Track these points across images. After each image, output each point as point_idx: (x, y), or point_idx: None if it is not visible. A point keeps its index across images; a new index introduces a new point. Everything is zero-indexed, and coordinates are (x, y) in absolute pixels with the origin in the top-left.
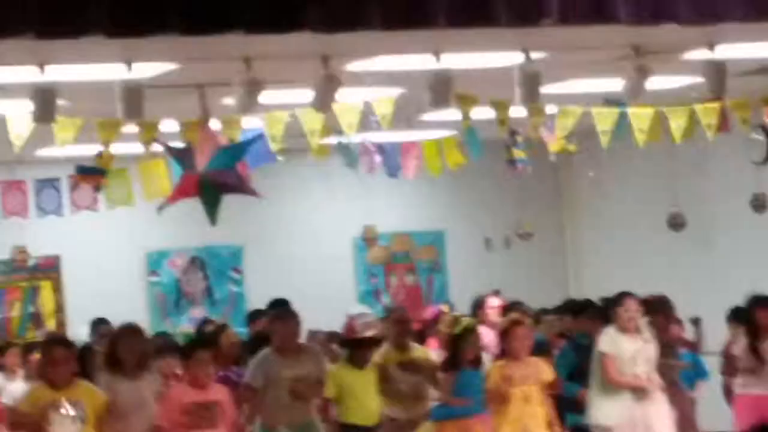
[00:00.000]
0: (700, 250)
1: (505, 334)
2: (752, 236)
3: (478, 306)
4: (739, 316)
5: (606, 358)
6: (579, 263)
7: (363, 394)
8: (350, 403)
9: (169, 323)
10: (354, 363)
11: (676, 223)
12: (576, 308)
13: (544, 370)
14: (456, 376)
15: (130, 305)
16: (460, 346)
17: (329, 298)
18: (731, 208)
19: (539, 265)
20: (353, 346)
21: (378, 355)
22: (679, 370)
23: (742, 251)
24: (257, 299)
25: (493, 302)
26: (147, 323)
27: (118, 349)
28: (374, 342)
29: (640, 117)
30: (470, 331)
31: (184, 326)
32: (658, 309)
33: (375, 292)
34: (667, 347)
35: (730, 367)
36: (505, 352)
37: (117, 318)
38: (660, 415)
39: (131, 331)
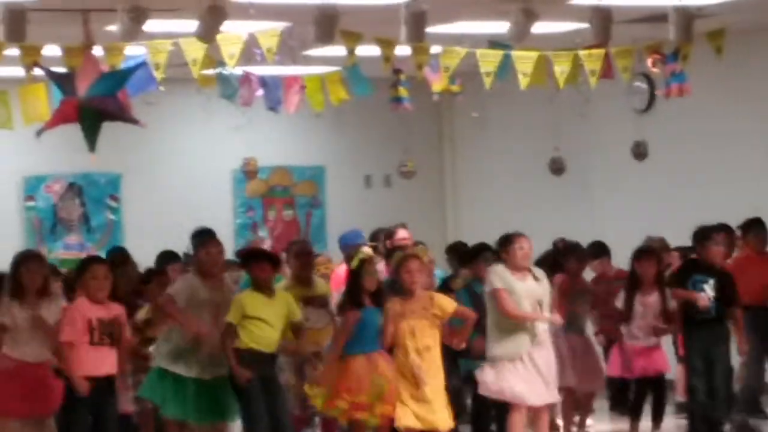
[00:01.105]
0: (580, 195)
1: (397, 267)
2: (631, 183)
3: (386, 237)
4: (597, 251)
5: (500, 292)
6: (459, 204)
7: (267, 320)
8: (252, 328)
9: (44, 249)
10: (261, 289)
11: (557, 167)
12: (469, 253)
13: (436, 305)
14: (359, 314)
15: (5, 229)
16: (360, 278)
17: None
18: (612, 154)
19: (419, 204)
20: (251, 259)
21: (280, 289)
22: (586, 317)
23: (621, 198)
24: (134, 228)
25: (403, 234)
26: (22, 248)
27: (21, 276)
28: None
29: (524, 60)
30: (367, 262)
31: (59, 252)
32: (570, 254)
33: (252, 226)
34: (578, 294)
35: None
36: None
37: None
38: (548, 358)
39: (33, 257)
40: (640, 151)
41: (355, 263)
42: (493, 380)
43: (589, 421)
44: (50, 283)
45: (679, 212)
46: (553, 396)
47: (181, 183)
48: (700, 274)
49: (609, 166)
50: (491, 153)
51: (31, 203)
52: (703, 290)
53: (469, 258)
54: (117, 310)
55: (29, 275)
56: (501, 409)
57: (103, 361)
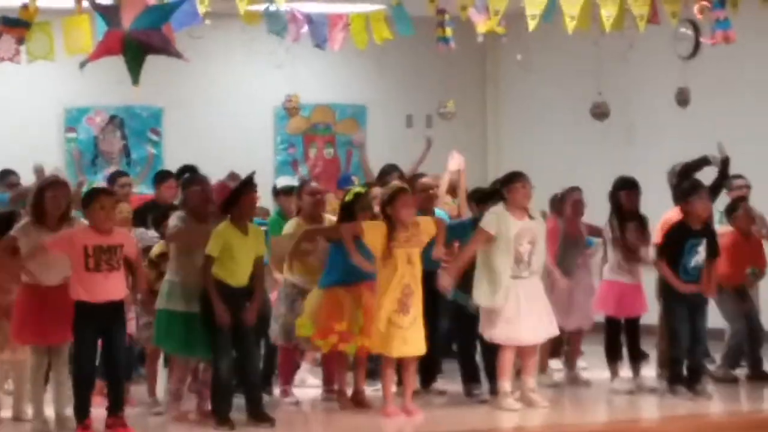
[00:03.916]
0: (621, 140)
1: (390, 200)
2: (674, 130)
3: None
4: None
5: (479, 232)
6: (499, 146)
7: (241, 257)
8: (228, 263)
9: (84, 181)
10: (237, 225)
11: (599, 112)
12: (481, 196)
13: (422, 230)
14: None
15: (45, 161)
16: (353, 211)
17: (246, 166)
18: (655, 101)
19: (460, 145)
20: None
21: (290, 226)
22: (576, 260)
23: (662, 144)
24: (174, 162)
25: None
26: None
27: (44, 201)
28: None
29: (570, 3)
30: (362, 195)
31: (99, 184)
32: (566, 199)
33: (293, 163)
34: (571, 238)
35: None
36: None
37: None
38: (537, 289)
39: (57, 183)
40: (683, 98)
41: (349, 196)
42: (486, 324)
43: (582, 363)
44: (71, 209)
45: None
46: (548, 332)
47: (223, 118)
48: (694, 237)
49: (651, 112)
50: (534, 96)
51: (72, 135)
52: (698, 253)
53: (483, 199)
54: (121, 237)
55: (53, 201)
56: (487, 348)
57: (102, 288)
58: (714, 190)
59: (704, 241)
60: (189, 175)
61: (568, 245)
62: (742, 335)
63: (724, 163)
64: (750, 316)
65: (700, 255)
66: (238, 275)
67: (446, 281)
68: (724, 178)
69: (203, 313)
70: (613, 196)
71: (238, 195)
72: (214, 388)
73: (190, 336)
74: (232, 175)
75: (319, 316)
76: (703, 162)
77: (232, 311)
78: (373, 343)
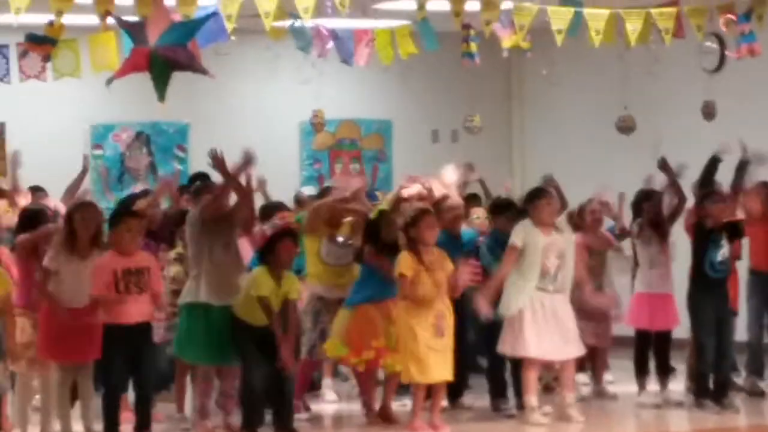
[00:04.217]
0: (647, 154)
1: (413, 222)
2: (700, 143)
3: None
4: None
5: (509, 251)
6: (526, 160)
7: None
8: (253, 307)
9: (111, 197)
10: (272, 273)
11: (626, 126)
12: (496, 207)
13: (446, 263)
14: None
15: (73, 177)
16: (379, 228)
17: (272, 181)
18: (681, 114)
19: (486, 160)
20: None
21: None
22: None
23: (689, 157)
24: None
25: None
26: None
27: (74, 225)
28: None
29: (596, 18)
30: (386, 212)
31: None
32: (584, 211)
33: (319, 178)
34: (595, 251)
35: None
36: (413, 240)
37: (60, 189)
38: (563, 305)
39: (86, 205)
40: (709, 111)
41: (373, 214)
42: (508, 338)
43: (609, 377)
44: (103, 233)
45: None
46: (573, 351)
47: (249, 134)
48: (715, 233)
49: (677, 125)
50: (559, 110)
51: (98, 152)
52: (722, 246)
53: (497, 211)
54: (145, 260)
55: (82, 223)
56: (516, 364)
57: (132, 310)
58: (733, 195)
59: (725, 235)
60: (199, 183)
61: (594, 255)
62: (757, 341)
63: (743, 164)
64: None
65: (724, 247)
66: (259, 318)
67: (485, 308)
68: (741, 180)
69: (236, 327)
70: (636, 208)
71: (274, 243)
72: (245, 400)
73: (210, 339)
74: (246, 155)
75: (350, 335)
76: (713, 162)
77: (259, 348)
78: (409, 370)
